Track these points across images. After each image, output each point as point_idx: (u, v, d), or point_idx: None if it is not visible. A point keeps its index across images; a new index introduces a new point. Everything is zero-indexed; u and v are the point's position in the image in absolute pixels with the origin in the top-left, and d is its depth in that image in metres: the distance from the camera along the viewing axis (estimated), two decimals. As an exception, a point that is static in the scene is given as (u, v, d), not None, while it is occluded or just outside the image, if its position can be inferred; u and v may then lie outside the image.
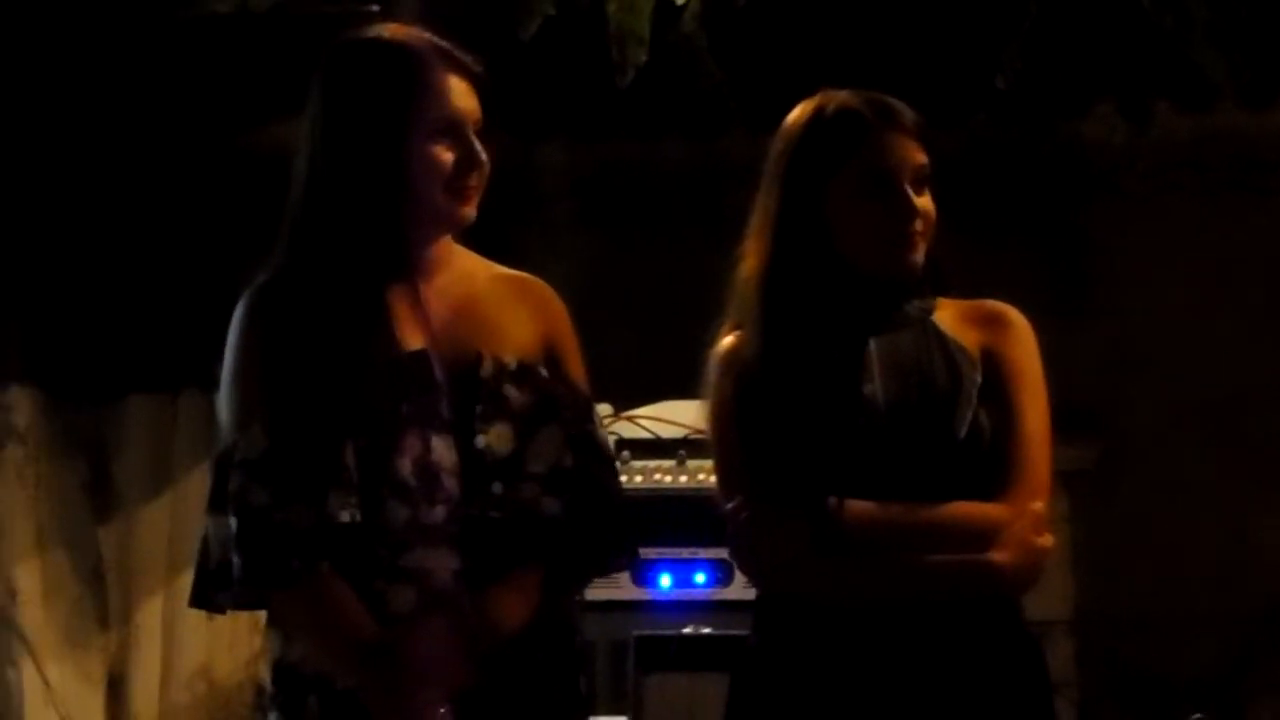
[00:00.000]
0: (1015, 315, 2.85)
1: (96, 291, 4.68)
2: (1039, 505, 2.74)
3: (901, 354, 2.77)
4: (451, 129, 2.62)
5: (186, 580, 2.66)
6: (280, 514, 2.52)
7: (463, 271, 2.72)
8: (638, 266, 4.83)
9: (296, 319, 2.60)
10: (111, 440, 4.77)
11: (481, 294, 2.71)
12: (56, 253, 4.64)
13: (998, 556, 2.71)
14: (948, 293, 2.86)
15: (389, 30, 2.67)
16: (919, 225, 2.78)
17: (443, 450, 2.59)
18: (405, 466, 2.56)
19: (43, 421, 4.68)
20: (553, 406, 2.65)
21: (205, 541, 2.62)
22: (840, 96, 2.82)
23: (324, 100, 2.64)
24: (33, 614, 4.61)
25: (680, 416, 4.52)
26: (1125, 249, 4.85)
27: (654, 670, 4.16)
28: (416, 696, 2.51)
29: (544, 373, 2.67)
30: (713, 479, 2.86)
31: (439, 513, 2.58)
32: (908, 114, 2.81)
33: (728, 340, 2.85)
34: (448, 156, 2.62)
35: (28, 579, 4.61)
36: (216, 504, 2.58)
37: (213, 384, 2.69)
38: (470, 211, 2.67)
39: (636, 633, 4.22)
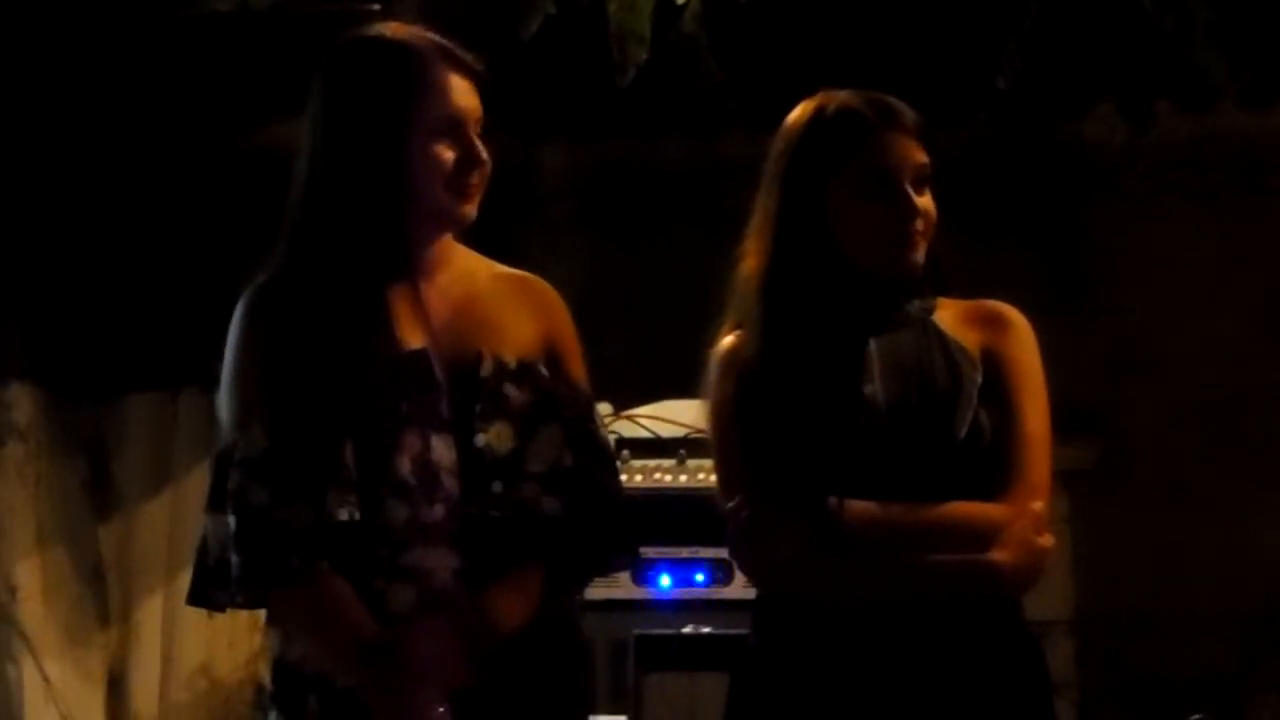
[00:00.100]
0: (1016, 315, 2.85)
1: (97, 290, 4.68)
2: (1039, 505, 2.74)
3: (902, 354, 2.77)
4: (453, 128, 2.62)
5: (187, 578, 2.65)
6: (280, 513, 2.52)
7: (463, 270, 2.72)
8: (638, 266, 4.83)
9: (296, 318, 2.59)
10: (112, 438, 4.78)
11: (482, 293, 2.71)
12: (57, 252, 4.65)
13: (998, 556, 2.71)
14: (948, 293, 2.86)
15: (390, 29, 2.67)
16: (919, 225, 2.78)
17: (442, 449, 2.59)
18: (405, 465, 2.56)
19: (43, 419, 4.68)
20: (553, 406, 2.65)
21: (204, 540, 2.62)
22: (841, 96, 2.82)
23: (325, 99, 2.64)
24: (33, 612, 4.61)
25: (680, 416, 4.52)
26: (1125, 249, 4.85)
27: (654, 669, 4.16)
28: (416, 695, 2.51)
29: (544, 372, 2.67)
30: (713, 478, 2.86)
31: (438, 512, 2.58)
32: (908, 114, 2.81)
33: (728, 340, 2.85)
34: (449, 155, 2.62)
35: (28, 577, 4.61)
36: (215, 503, 2.58)
37: (213, 382, 2.69)
38: (471, 210, 2.67)
39: (636, 632, 4.22)
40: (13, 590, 4.59)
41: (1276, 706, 4.70)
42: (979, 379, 2.76)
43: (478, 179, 2.65)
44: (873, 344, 2.77)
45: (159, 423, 4.78)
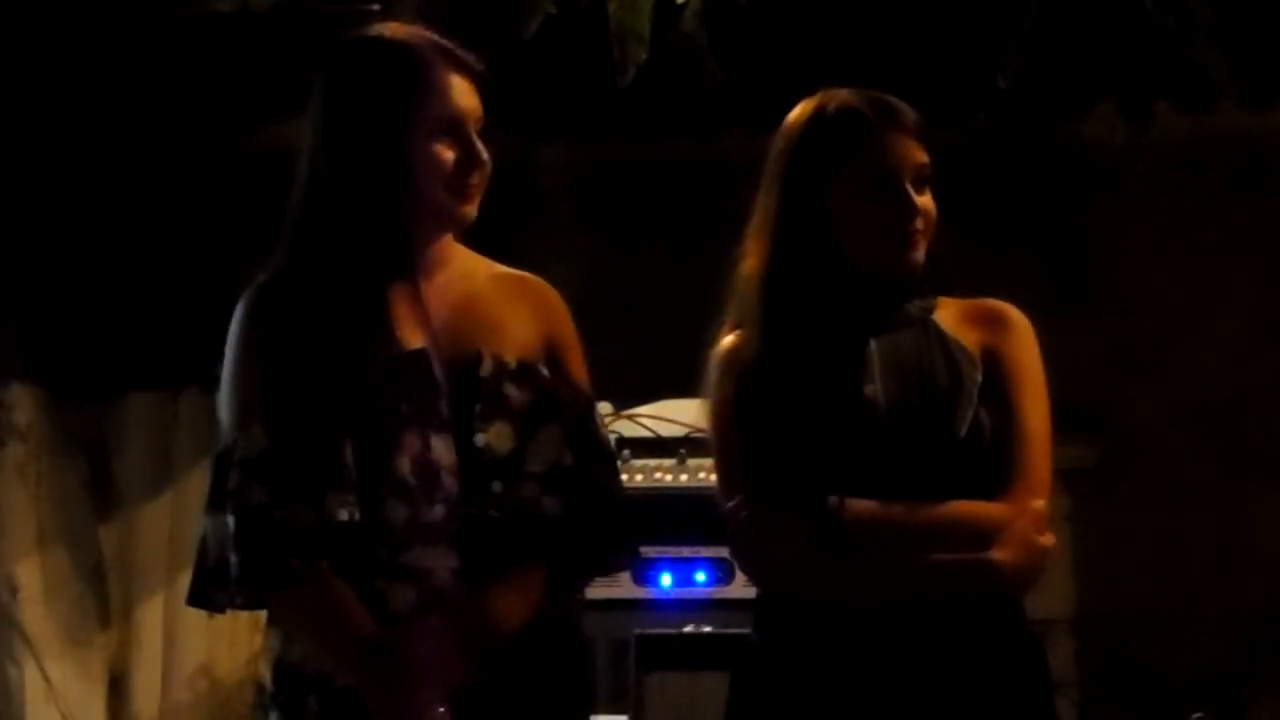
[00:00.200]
0: (1016, 314, 2.85)
1: (97, 290, 4.68)
2: (1040, 504, 2.74)
3: (902, 353, 2.77)
4: (453, 128, 2.62)
5: (187, 579, 2.65)
6: (279, 513, 2.52)
7: (463, 270, 2.72)
8: (638, 265, 4.83)
9: (296, 318, 2.60)
10: (112, 438, 4.78)
11: (482, 293, 2.71)
12: (57, 252, 4.65)
13: (998, 555, 2.71)
14: (948, 292, 2.86)
15: (390, 29, 2.67)
16: (920, 224, 2.79)
17: (442, 449, 2.59)
18: (404, 465, 2.56)
19: (44, 420, 4.68)
20: (553, 405, 2.65)
21: (204, 541, 2.62)
22: (841, 95, 2.82)
23: (325, 99, 2.64)
24: (34, 612, 4.61)
25: (681, 415, 4.52)
26: (1125, 249, 4.85)
27: (655, 669, 4.16)
28: (416, 695, 2.51)
29: (544, 372, 2.67)
30: (713, 478, 2.86)
31: (438, 511, 2.58)
32: (909, 113, 2.81)
33: (728, 339, 2.85)
34: (449, 155, 2.62)
35: (29, 577, 4.62)
36: (215, 503, 2.58)
37: (214, 382, 2.68)
38: (471, 210, 2.67)
39: (637, 631, 4.22)
40: (14, 590, 4.59)
41: (1277, 706, 4.70)
42: (979, 378, 2.77)
43: (478, 179, 2.66)
44: (873, 343, 2.77)
45: (159, 423, 4.78)
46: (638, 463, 4.49)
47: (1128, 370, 4.81)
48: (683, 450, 4.49)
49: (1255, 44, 4.30)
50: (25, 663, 4.59)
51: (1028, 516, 2.72)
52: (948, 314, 2.83)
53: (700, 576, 4.41)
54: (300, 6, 4.22)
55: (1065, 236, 4.86)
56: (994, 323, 2.83)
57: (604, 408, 3.59)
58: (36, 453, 4.66)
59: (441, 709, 2.51)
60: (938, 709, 2.71)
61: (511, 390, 2.63)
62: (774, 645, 2.79)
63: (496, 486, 2.60)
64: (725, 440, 2.82)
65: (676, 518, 4.26)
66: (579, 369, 2.73)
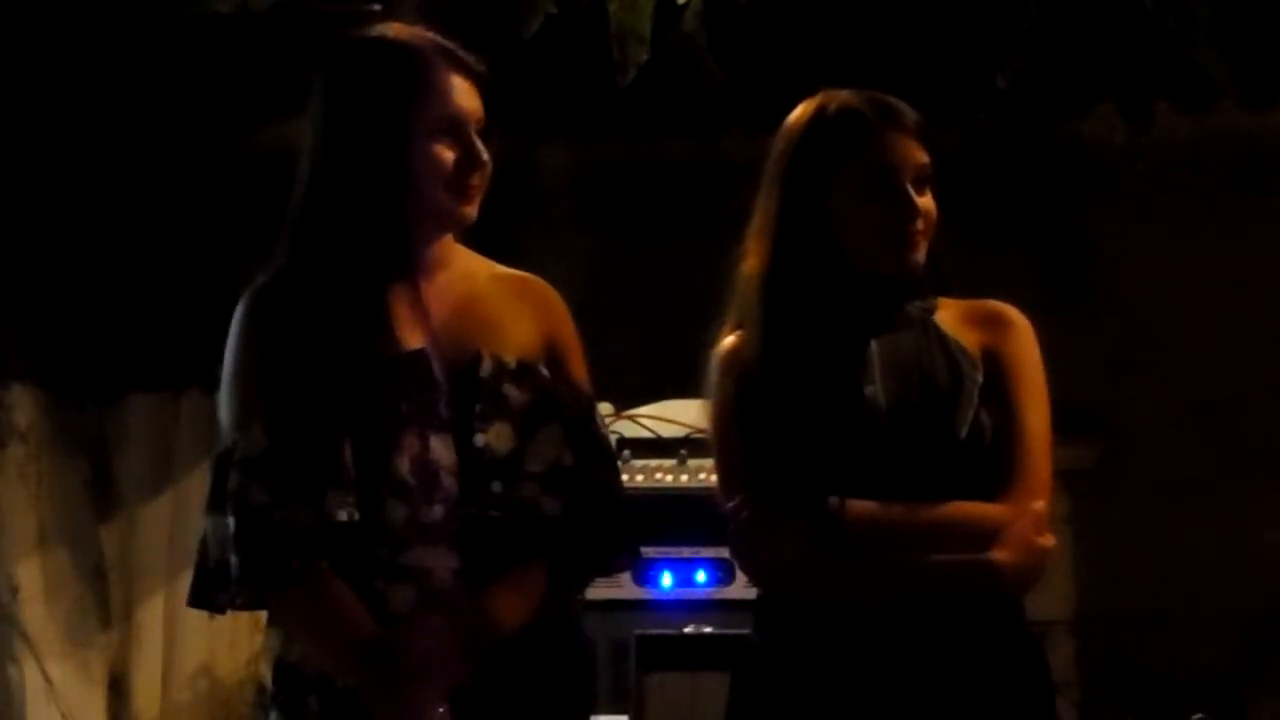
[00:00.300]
0: (1016, 315, 2.85)
1: (98, 291, 4.68)
2: (1040, 505, 2.74)
3: (902, 354, 2.78)
4: (453, 128, 2.62)
5: (188, 579, 2.65)
6: (279, 513, 2.52)
7: (463, 271, 2.72)
8: (639, 266, 4.83)
9: (296, 318, 2.60)
10: (113, 439, 4.78)
11: (482, 293, 2.71)
12: (57, 252, 4.65)
13: (999, 556, 2.71)
14: (949, 292, 2.86)
15: (392, 29, 2.67)
16: (920, 225, 2.79)
17: (441, 449, 2.59)
18: (404, 465, 2.56)
19: (44, 420, 4.68)
20: (553, 406, 2.65)
21: (204, 541, 2.62)
22: (841, 96, 2.82)
23: (326, 99, 2.64)
24: (34, 612, 4.61)
25: (681, 416, 4.53)
26: (1125, 249, 4.85)
27: (655, 669, 4.16)
28: (415, 695, 2.51)
29: (544, 372, 2.67)
30: (714, 478, 2.86)
31: (438, 511, 2.58)
32: (909, 113, 2.81)
33: (729, 340, 2.85)
34: (449, 156, 2.62)
35: (29, 577, 4.62)
36: (215, 504, 2.58)
37: (214, 383, 2.68)
38: (471, 211, 2.67)
39: (637, 632, 4.22)
40: (14, 591, 4.59)
41: (1277, 706, 4.70)
42: (979, 379, 2.77)
43: (478, 180, 2.66)
44: (873, 344, 2.77)
45: (160, 423, 4.78)
46: (638, 463, 4.49)
47: (1128, 370, 4.81)
48: (683, 450, 4.49)
49: (1255, 44, 4.30)
50: (25, 663, 4.59)
51: (1028, 517, 2.72)
52: (948, 314, 2.83)
53: (701, 577, 4.41)
54: (300, 7, 4.22)
55: (1065, 236, 4.86)
56: (994, 323, 2.83)
57: (604, 408, 3.60)
58: (37, 453, 4.66)
59: (441, 709, 2.51)
60: (938, 710, 2.71)
61: (511, 390, 2.63)
62: (774, 646, 2.79)
63: (496, 486, 2.60)
64: (726, 440, 2.82)
65: (677, 518, 4.26)
66: (579, 369, 2.73)
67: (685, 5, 4.30)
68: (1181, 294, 4.82)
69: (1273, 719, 4.70)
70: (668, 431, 4.63)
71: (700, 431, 3.93)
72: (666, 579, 4.41)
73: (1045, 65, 4.32)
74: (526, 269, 2.79)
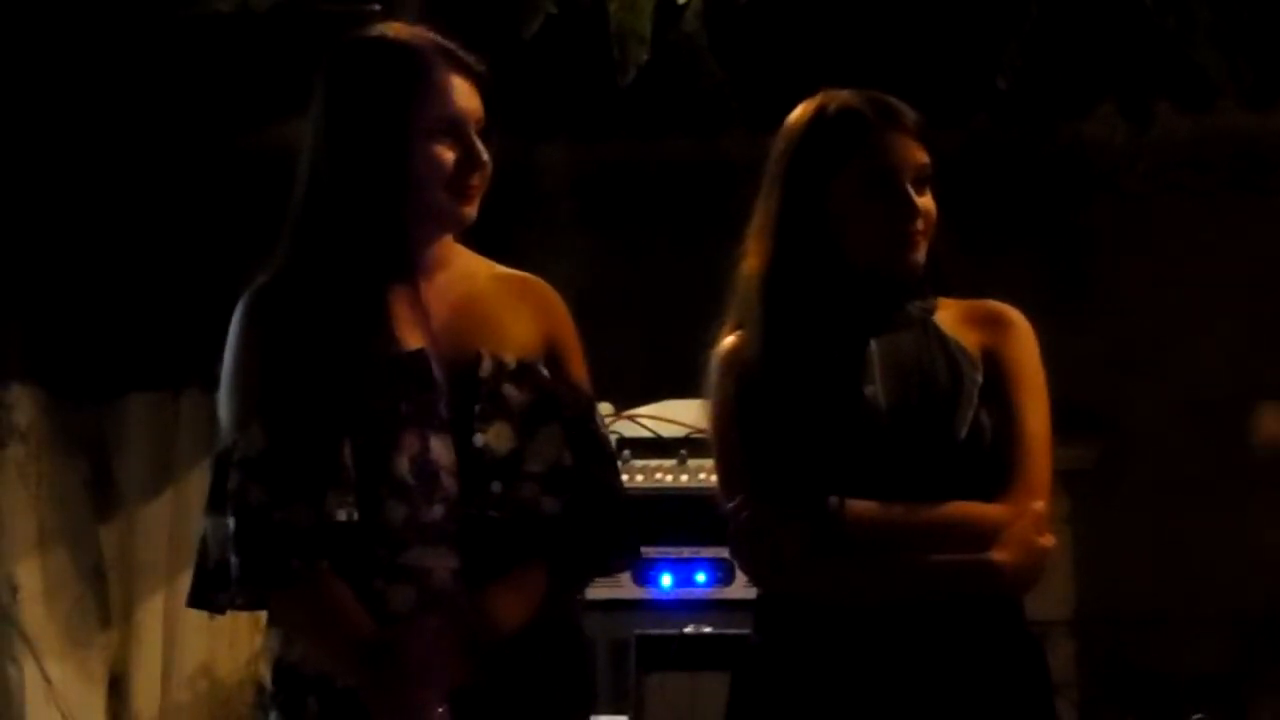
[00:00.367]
0: (1016, 316, 2.85)
1: (98, 290, 4.68)
2: (1040, 505, 2.74)
3: (902, 354, 2.77)
4: (453, 129, 2.62)
5: (188, 579, 2.65)
6: (279, 513, 2.52)
7: (463, 271, 2.72)
8: (639, 266, 4.83)
9: (296, 318, 2.60)
10: (113, 439, 4.78)
11: (482, 293, 2.71)
12: (57, 252, 4.65)
13: (998, 556, 2.71)
14: (949, 293, 2.86)
15: (393, 29, 2.67)
16: (920, 225, 2.79)
17: (441, 449, 2.59)
18: (403, 465, 2.56)
19: (44, 420, 4.68)
20: (553, 406, 2.65)
21: (204, 542, 2.62)
22: (842, 96, 2.82)
23: (326, 99, 2.64)
24: (34, 612, 4.61)
25: (681, 416, 4.53)
26: (1126, 249, 4.85)
27: (655, 669, 4.16)
28: (415, 695, 2.51)
29: (544, 372, 2.67)
30: (714, 478, 2.86)
31: (437, 512, 2.58)
32: (909, 114, 2.81)
33: (729, 340, 2.85)
34: (449, 156, 2.62)
35: (29, 577, 4.62)
36: (215, 504, 2.58)
37: (214, 383, 2.68)
38: (471, 211, 2.67)
39: (637, 632, 4.22)
40: (14, 591, 4.59)
41: (1277, 706, 4.70)
42: (979, 379, 2.77)
43: (478, 180, 2.66)
44: (873, 344, 2.77)
45: (160, 423, 4.78)
46: (638, 463, 4.49)
47: (1128, 370, 4.81)
48: (683, 451, 4.49)
49: (1255, 44, 4.30)
50: (25, 663, 4.59)
51: (1028, 518, 2.72)
52: (948, 315, 2.83)
53: (700, 577, 4.41)
54: (301, 6, 4.22)
55: (1066, 237, 4.86)
56: (994, 324, 2.83)
57: (604, 408, 3.60)
58: (37, 453, 4.66)
59: (441, 709, 2.51)
60: (938, 710, 2.71)
61: (511, 390, 2.63)
62: (774, 646, 2.79)
63: (496, 487, 2.60)
64: (726, 440, 2.82)
65: (677, 518, 4.26)
66: (579, 369, 2.73)
67: (686, 5, 4.30)
68: (1181, 294, 4.82)
69: (1273, 719, 4.70)
70: (668, 431, 4.63)
71: (700, 432, 3.93)
72: (666, 579, 4.41)
73: (1046, 65, 4.32)
74: (526, 269, 2.79)
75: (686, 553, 4.40)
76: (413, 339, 2.62)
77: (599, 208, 4.89)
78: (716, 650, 3.95)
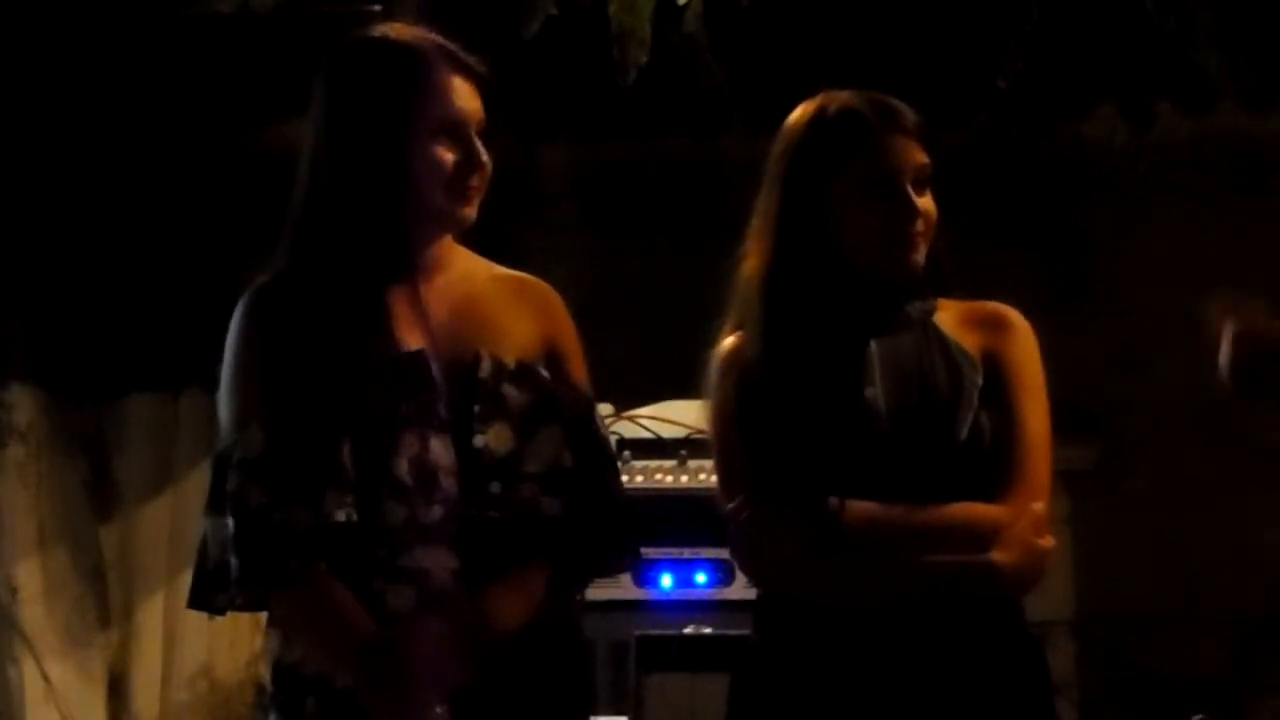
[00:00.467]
0: (1016, 317, 2.85)
1: (98, 290, 4.68)
2: (1039, 506, 2.74)
3: (902, 356, 2.78)
4: (453, 130, 2.62)
5: (188, 579, 2.65)
6: (278, 514, 2.52)
7: (463, 272, 2.72)
8: (639, 266, 4.83)
9: (296, 319, 2.60)
10: (113, 439, 4.78)
11: (481, 294, 2.71)
12: (58, 252, 4.65)
13: (998, 557, 2.71)
14: (949, 294, 2.86)
15: (394, 30, 2.67)
16: (920, 226, 2.79)
17: (440, 450, 2.58)
18: (402, 466, 2.56)
19: (44, 420, 4.68)
20: (552, 406, 2.65)
21: (203, 542, 2.62)
22: (842, 97, 2.82)
23: (327, 100, 2.64)
24: (34, 612, 4.61)
25: (681, 416, 4.52)
26: (1126, 249, 4.85)
27: (655, 670, 4.16)
28: (414, 696, 2.51)
29: (544, 373, 2.67)
30: (714, 479, 2.86)
31: (437, 512, 2.58)
32: (909, 115, 2.81)
33: (729, 341, 2.85)
34: (449, 157, 2.62)
35: (29, 577, 4.61)
36: (215, 505, 2.58)
37: (214, 383, 2.68)
38: (471, 212, 2.67)
39: (637, 632, 4.22)
40: (14, 591, 4.59)
41: (1276, 707, 4.70)
42: (979, 381, 2.77)
43: (478, 181, 2.66)
44: (873, 346, 2.77)
45: (160, 423, 4.78)
46: (638, 464, 4.49)
47: (1128, 370, 4.81)
48: (683, 451, 4.49)
49: (1255, 45, 4.30)
50: (25, 663, 4.59)
51: (1027, 519, 2.72)
52: (948, 316, 2.83)
53: (701, 578, 4.40)
54: (302, 7, 4.23)
55: (1066, 237, 4.86)
56: (994, 325, 2.83)
57: (604, 409, 3.60)
58: (37, 453, 4.66)
59: (440, 710, 2.51)
60: (938, 711, 2.71)
61: (510, 391, 2.63)
62: (774, 647, 2.79)
63: (495, 487, 2.60)
64: (726, 441, 2.82)
65: (677, 519, 4.26)
66: (579, 370, 2.73)
67: (686, 6, 4.30)
68: (1181, 294, 4.80)
69: (1273, 719, 4.70)
70: (668, 432, 4.63)
71: (700, 432, 3.93)
72: (666, 580, 4.41)
73: (1046, 66, 4.32)
74: (527, 269, 2.79)
75: (686, 553, 4.40)
76: (412, 340, 2.62)
77: (599, 208, 4.89)
78: (716, 651, 3.94)
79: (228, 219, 4.60)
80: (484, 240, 2.75)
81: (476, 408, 2.61)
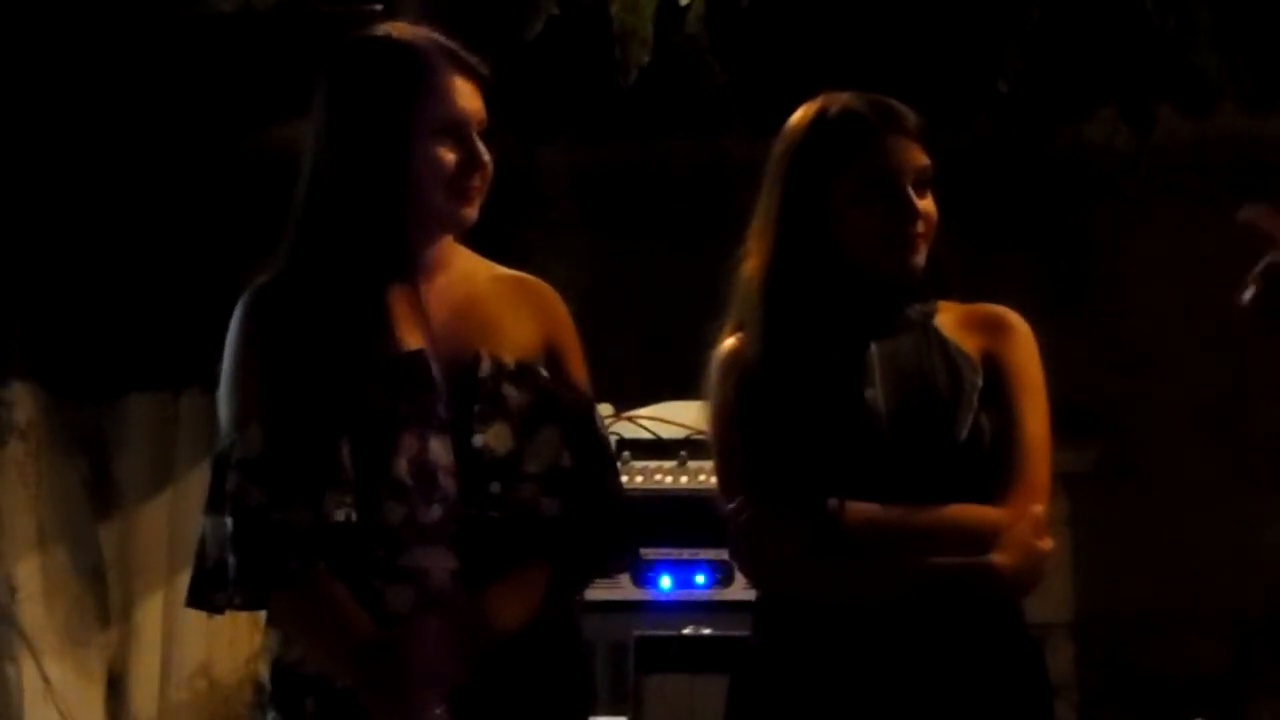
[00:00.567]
0: (1016, 319, 2.85)
1: (98, 290, 4.68)
2: (1039, 508, 2.74)
3: (903, 358, 2.77)
4: (455, 130, 2.62)
5: (187, 579, 2.65)
6: (277, 514, 2.52)
7: (463, 272, 2.72)
8: (639, 267, 4.83)
9: (295, 319, 2.60)
10: (113, 438, 4.78)
11: (482, 294, 2.71)
12: (58, 251, 4.65)
13: (998, 559, 2.71)
14: (949, 296, 2.86)
15: (396, 30, 2.67)
16: (921, 227, 2.79)
17: (440, 450, 2.59)
18: (402, 466, 2.56)
19: (44, 419, 4.68)
20: (552, 407, 2.65)
21: (202, 541, 2.62)
22: (843, 98, 2.82)
23: (328, 100, 2.65)
24: (33, 611, 4.61)
25: (681, 417, 4.52)
26: (1126, 251, 4.85)
27: (654, 671, 4.15)
28: (413, 696, 2.51)
29: (544, 373, 2.67)
30: (713, 480, 2.86)
31: (436, 512, 2.58)
32: (910, 116, 2.81)
33: (729, 342, 2.85)
34: (450, 157, 2.62)
35: (28, 576, 4.61)
36: (214, 504, 2.59)
37: (214, 382, 2.69)
38: (472, 213, 2.67)
39: (637, 633, 4.21)
40: (13, 590, 4.59)
41: (1276, 708, 4.70)
42: (979, 383, 2.77)
43: (479, 181, 2.66)
44: (874, 347, 2.77)
45: (160, 423, 4.78)
46: (638, 464, 4.48)
47: (1128, 372, 4.81)
48: (683, 452, 4.48)
49: (1256, 47, 4.30)
50: (24, 662, 4.59)
51: (1027, 520, 2.72)
52: (948, 318, 2.83)
53: (700, 578, 4.40)
54: (303, 7, 4.23)
55: (1066, 239, 4.86)
56: (994, 327, 2.83)
57: (604, 409, 3.59)
58: (36, 453, 4.66)
59: (439, 710, 2.51)
60: (937, 712, 2.71)
61: (510, 391, 2.63)
62: (773, 647, 2.79)
63: (495, 487, 2.60)
64: (726, 442, 2.82)
65: (676, 519, 4.25)
66: (579, 370, 2.73)
67: (688, 7, 4.30)
68: (1182, 295, 4.82)
69: (1272, 720, 4.71)
70: (667, 433, 4.62)
71: (700, 433, 3.93)
72: (666, 580, 4.41)
73: (1047, 68, 4.32)
74: (527, 269, 2.79)
75: (686, 554, 4.39)
76: (412, 340, 2.62)
77: (599, 209, 4.89)
78: (716, 652, 3.94)
79: (228, 219, 4.60)
80: (484, 240, 2.75)
81: (476, 408, 2.61)
